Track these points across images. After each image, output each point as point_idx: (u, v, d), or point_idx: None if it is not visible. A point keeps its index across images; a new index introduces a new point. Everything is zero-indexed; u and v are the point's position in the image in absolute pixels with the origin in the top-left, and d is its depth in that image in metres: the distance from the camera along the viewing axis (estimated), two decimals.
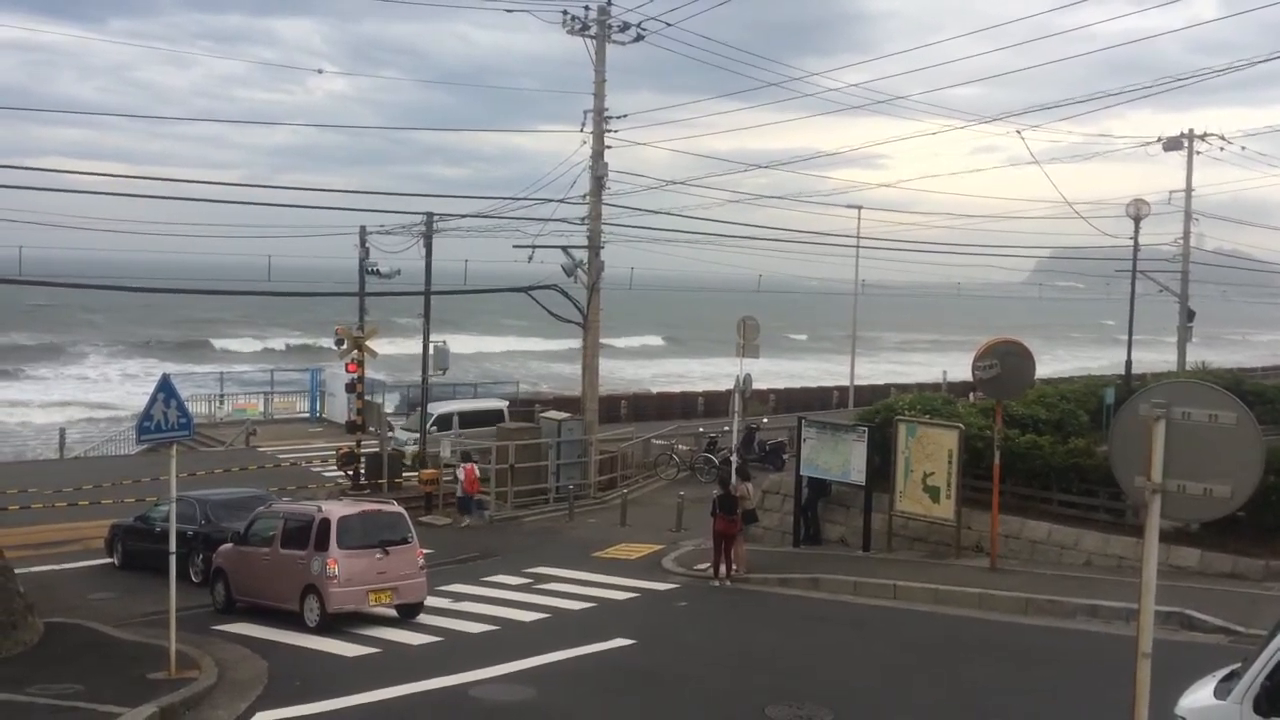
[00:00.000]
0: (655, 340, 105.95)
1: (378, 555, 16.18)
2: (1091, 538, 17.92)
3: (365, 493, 27.39)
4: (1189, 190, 41.19)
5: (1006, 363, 17.99)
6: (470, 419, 32.52)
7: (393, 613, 16.50)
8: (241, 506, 19.94)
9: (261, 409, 43.93)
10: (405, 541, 16.63)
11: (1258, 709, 6.87)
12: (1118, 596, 15.09)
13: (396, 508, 17.54)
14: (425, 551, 17.36)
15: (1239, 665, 7.55)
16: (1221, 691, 7.35)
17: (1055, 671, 13.12)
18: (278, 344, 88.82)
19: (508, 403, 35.12)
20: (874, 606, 16.72)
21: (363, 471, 29.66)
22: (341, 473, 31.02)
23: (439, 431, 31.39)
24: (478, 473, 26.52)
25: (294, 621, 16.04)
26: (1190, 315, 41.65)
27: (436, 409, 33.29)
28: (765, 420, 36.63)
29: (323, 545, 15.99)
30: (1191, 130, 40.12)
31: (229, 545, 17.89)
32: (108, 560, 21.65)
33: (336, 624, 15.75)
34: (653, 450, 34.11)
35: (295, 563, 16.32)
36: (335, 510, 16.75)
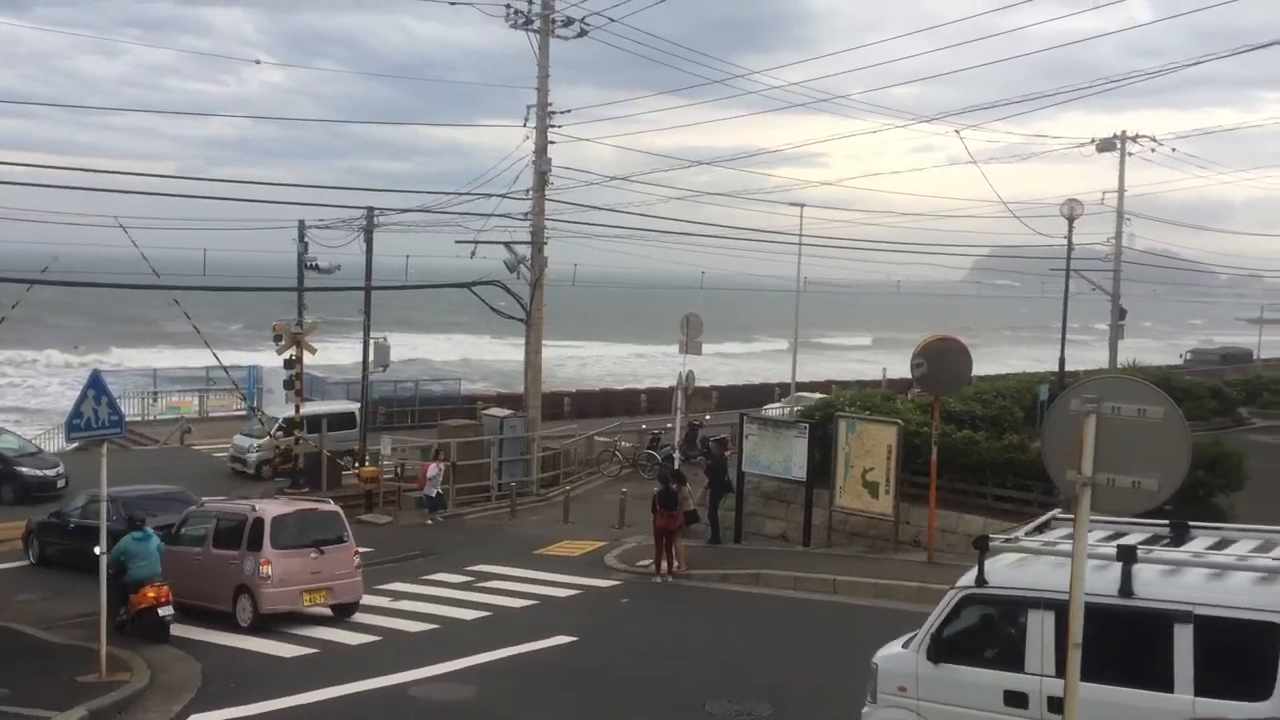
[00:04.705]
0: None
1: (312, 555, 15.98)
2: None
3: (304, 492, 27.03)
4: (1121, 190, 42.06)
5: (943, 360, 18.23)
6: (318, 423, 31.12)
7: (328, 612, 16.30)
8: (159, 502, 19.62)
9: (197, 407, 43.19)
10: (340, 541, 16.44)
11: (929, 655, 8.77)
12: None
13: (332, 507, 17.38)
14: (364, 550, 17.19)
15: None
16: (907, 644, 9.16)
17: None
18: (211, 340, 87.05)
19: (358, 405, 34.28)
20: (815, 601, 16.85)
21: (301, 470, 29.25)
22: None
23: (284, 435, 30.48)
24: (432, 471, 26.05)
25: (227, 622, 15.79)
26: (1122, 313, 42.57)
27: (282, 413, 31.94)
28: (708, 417, 36.78)
29: (256, 545, 15.77)
30: (1124, 132, 40.94)
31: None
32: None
33: (271, 624, 15.53)
34: (596, 447, 34.07)
35: (228, 563, 16.05)
36: (270, 509, 16.51)
